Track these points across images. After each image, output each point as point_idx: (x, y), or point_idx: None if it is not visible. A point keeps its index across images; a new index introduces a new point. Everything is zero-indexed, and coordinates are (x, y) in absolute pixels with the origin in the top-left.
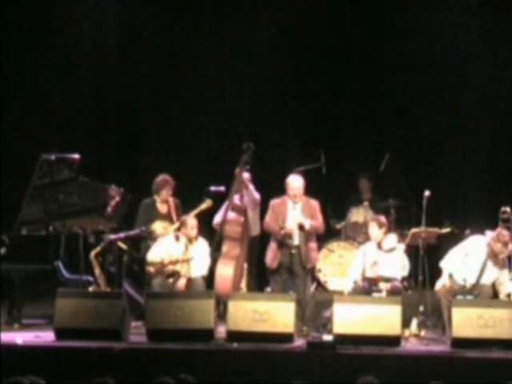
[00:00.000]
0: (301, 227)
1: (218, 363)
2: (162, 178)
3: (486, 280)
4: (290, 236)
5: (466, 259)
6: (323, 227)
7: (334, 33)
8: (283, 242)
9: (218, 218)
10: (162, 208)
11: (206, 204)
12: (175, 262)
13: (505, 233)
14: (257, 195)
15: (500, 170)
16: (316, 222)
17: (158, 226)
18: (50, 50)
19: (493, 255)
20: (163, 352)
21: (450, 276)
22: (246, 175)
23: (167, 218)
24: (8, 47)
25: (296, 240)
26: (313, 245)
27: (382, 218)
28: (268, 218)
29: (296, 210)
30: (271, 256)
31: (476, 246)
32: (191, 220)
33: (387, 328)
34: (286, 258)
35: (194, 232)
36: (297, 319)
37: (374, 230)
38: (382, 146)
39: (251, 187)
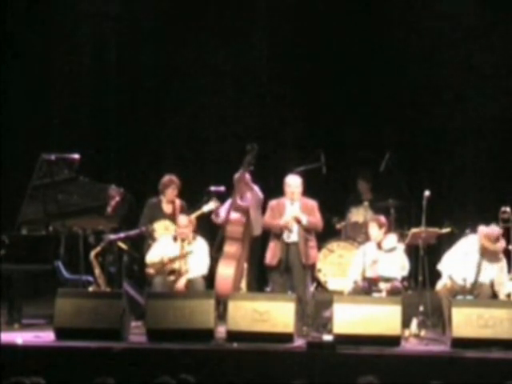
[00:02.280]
0: (298, 221)
1: (217, 363)
2: (167, 177)
3: (487, 278)
4: (287, 228)
5: (464, 258)
6: (321, 224)
7: (334, 33)
8: (281, 237)
9: (222, 213)
10: (167, 208)
11: (208, 207)
12: (174, 260)
13: (495, 229)
14: (260, 194)
15: (500, 170)
16: (314, 218)
17: (159, 226)
18: (50, 49)
19: (485, 252)
20: (163, 352)
21: (450, 278)
22: (247, 176)
23: (172, 218)
24: (8, 47)
25: (294, 235)
26: (312, 243)
27: (382, 218)
28: (266, 217)
29: (294, 206)
30: (270, 253)
31: (471, 244)
32: (181, 218)
33: (387, 328)
34: (284, 254)
35: (185, 231)
36: (297, 319)
37: (375, 231)
38: (381, 146)
39: (255, 187)
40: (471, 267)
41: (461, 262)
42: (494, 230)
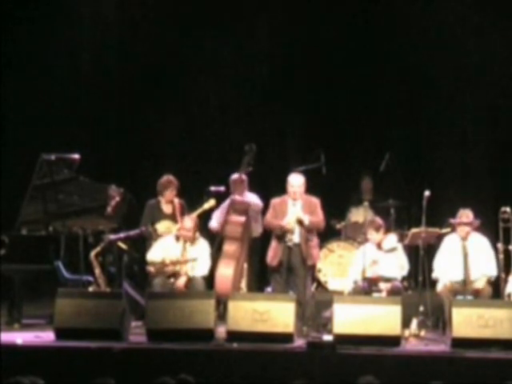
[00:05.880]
0: (300, 222)
1: (217, 363)
2: (165, 178)
3: (476, 260)
4: (289, 230)
5: (451, 255)
6: (324, 223)
7: (334, 33)
8: (283, 239)
9: (213, 223)
10: (166, 208)
11: (208, 204)
12: (176, 263)
13: (465, 210)
14: (259, 203)
15: (500, 170)
16: (316, 217)
17: (161, 226)
18: (51, 49)
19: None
20: (163, 352)
21: (450, 281)
22: (243, 177)
23: (172, 218)
24: (8, 46)
25: (296, 237)
26: (313, 242)
27: (378, 220)
28: (268, 215)
29: (296, 207)
30: (272, 254)
31: (453, 240)
32: (186, 222)
33: (387, 328)
34: (286, 256)
35: (189, 234)
36: (297, 319)
37: (373, 235)
38: (382, 146)
39: (254, 197)
40: (459, 260)
41: (451, 260)
42: (465, 210)
